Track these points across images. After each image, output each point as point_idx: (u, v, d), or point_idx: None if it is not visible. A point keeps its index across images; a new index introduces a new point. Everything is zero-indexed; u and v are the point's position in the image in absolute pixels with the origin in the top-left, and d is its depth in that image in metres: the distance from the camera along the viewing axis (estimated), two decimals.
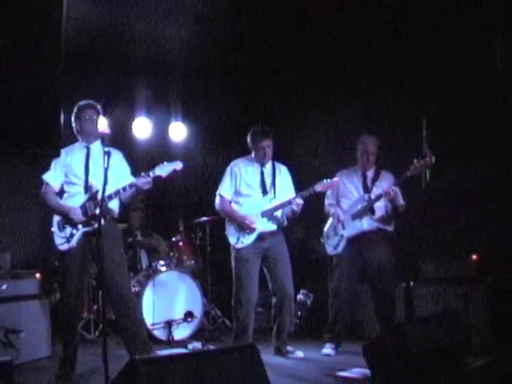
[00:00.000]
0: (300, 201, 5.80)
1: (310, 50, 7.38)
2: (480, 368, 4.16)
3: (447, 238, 6.48)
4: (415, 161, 5.62)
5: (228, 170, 6.06)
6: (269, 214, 5.88)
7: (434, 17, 6.18)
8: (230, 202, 6.01)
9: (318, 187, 5.80)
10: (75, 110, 5.28)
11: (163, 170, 5.05)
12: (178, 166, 5.11)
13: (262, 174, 6.00)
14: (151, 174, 5.02)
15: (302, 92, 7.76)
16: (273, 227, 5.94)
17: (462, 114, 6.29)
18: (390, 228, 6.03)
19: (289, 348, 5.94)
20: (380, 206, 5.98)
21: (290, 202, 5.82)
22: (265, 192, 5.95)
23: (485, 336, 5.68)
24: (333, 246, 6.11)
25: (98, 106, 5.30)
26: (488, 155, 6.12)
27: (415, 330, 4.13)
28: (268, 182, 5.99)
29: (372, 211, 5.97)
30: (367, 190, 6.03)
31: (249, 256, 5.86)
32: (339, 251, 6.06)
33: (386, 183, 5.96)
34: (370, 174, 6.13)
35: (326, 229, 6.22)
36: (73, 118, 5.30)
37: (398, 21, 6.42)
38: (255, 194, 5.95)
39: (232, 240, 5.93)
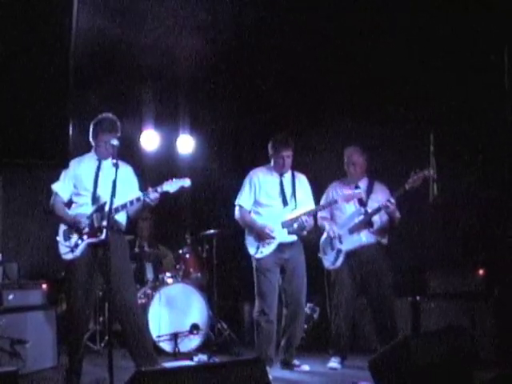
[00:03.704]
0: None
1: (318, 64, 7.40)
2: (487, 383, 4.14)
3: (454, 253, 6.47)
4: (412, 173, 5.61)
5: (247, 179, 5.93)
6: (289, 225, 5.73)
7: (442, 33, 6.21)
8: (250, 212, 5.89)
9: (340, 198, 5.76)
10: (98, 122, 5.24)
11: (171, 186, 5.06)
12: (187, 183, 5.11)
13: (282, 183, 5.86)
14: (159, 189, 5.03)
15: (310, 105, 7.78)
16: (293, 238, 5.80)
17: (470, 129, 6.29)
18: (385, 241, 6.00)
19: (295, 362, 5.90)
20: (376, 219, 5.95)
21: (310, 213, 5.75)
22: (285, 202, 5.80)
23: (491, 351, 5.65)
24: (331, 260, 6.05)
25: (119, 125, 5.21)
26: (496, 169, 6.11)
27: (421, 344, 4.11)
28: (288, 192, 5.84)
29: (370, 224, 5.93)
30: (362, 203, 5.96)
31: (269, 265, 5.74)
32: (337, 266, 6.00)
33: (381, 196, 5.92)
34: (363, 185, 6.04)
35: (321, 243, 6.16)
36: (91, 129, 5.26)
37: (406, 36, 6.44)
38: (275, 204, 5.81)
39: (251, 250, 5.81)
